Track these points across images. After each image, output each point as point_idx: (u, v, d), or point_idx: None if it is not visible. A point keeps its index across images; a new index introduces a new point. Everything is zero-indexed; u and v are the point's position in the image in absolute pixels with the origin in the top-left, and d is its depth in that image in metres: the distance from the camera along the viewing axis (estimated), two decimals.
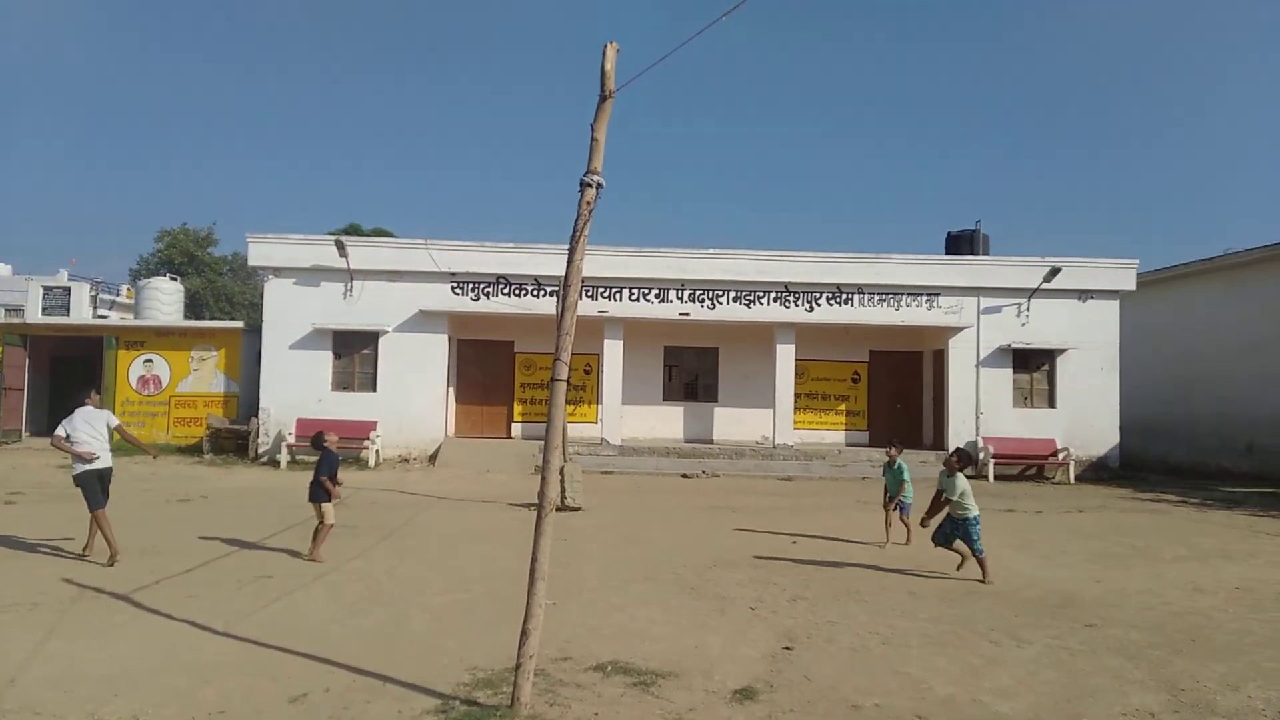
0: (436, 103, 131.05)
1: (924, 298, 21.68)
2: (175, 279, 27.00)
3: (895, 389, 23.44)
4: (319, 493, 9.55)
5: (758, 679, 5.77)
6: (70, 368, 23.63)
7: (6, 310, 27.29)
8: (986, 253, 23.82)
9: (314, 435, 10.02)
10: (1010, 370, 21.61)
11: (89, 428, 9.23)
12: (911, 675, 5.94)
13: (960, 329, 21.52)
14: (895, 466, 11.68)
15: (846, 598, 8.19)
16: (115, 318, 32.06)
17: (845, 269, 21.59)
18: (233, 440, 20.64)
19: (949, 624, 7.33)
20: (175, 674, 5.63)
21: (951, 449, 9.97)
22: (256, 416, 20.41)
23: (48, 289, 25.12)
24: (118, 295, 42.37)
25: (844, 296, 21.62)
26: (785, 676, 5.85)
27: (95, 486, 9.19)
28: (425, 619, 7.22)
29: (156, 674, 5.62)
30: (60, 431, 9.17)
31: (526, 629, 5.06)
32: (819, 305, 21.58)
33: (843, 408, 23.38)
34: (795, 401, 21.70)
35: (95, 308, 29.39)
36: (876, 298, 21.64)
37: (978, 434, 21.20)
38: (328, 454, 9.73)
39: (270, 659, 6.01)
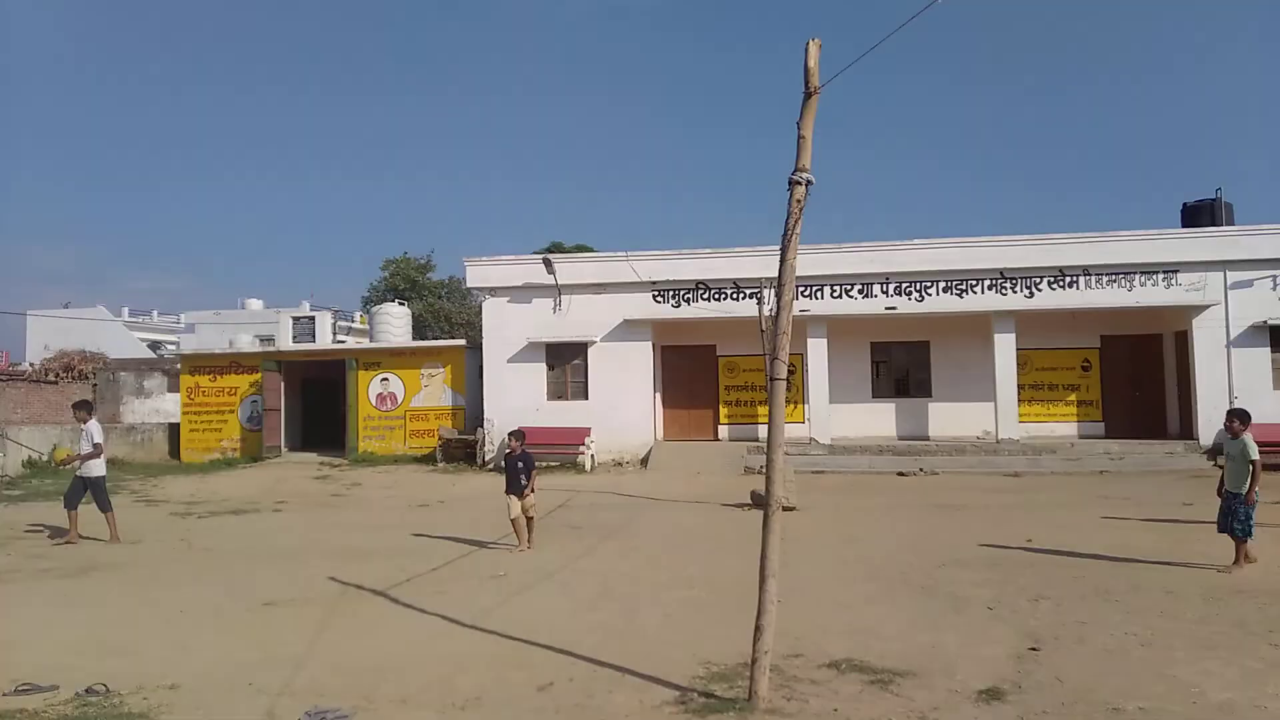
0: (623, 124, 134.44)
1: (1160, 275, 19.87)
2: (402, 303, 29.20)
3: (1133, 375, 21.55)
4: (518, 485, 10.37)
5: (1004, 679, 5.49)
6: (318, 389, 26.13)
7: (261, 340, 30.53)
8: (1230, 223, 21.41)
9: (517, 431, 10.95)
10: (1268, 349, 19.37)
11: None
12: (1179, 679, 5.45)
13: (1205, 307, 19.52)
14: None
15: (1095, 597, 7.63)
16: (352, 342, 35.16)
17: (1068, 250, 20.15)
18: (461, 449, 22.04)
19: (1219, 625, 6.66)
20: (433, 663, 6.08)
21: (1228, 415, 9.07)
22: (482, 426, 21.72)
23: (296, 319, 27.82)
24: (353, 321, 46.41)
25: (1068, 279, 20.18)
26: (1034, 678, 5.53)
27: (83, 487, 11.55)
28: (655, 614, 7.41)
29: (417, 663, 6.10)
30: (99, 440, 11.65)
31: (760, 625, 5.08)
32: (1039, 290, 20.26)
33: (1073, 397, 21.77)
34: (1019, 393, 20.42)
35: (335, 334, 32.37)
36: (1105, 279, 20.05)
37: None
38: (527, 454, 10.56)
39: (516, 650, 6.38)
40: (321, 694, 5.45)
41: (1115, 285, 20.08)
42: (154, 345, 48.22)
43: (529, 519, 10.53)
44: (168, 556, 10.63)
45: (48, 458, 20.99)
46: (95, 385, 28.09)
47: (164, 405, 27.83)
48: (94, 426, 11.74)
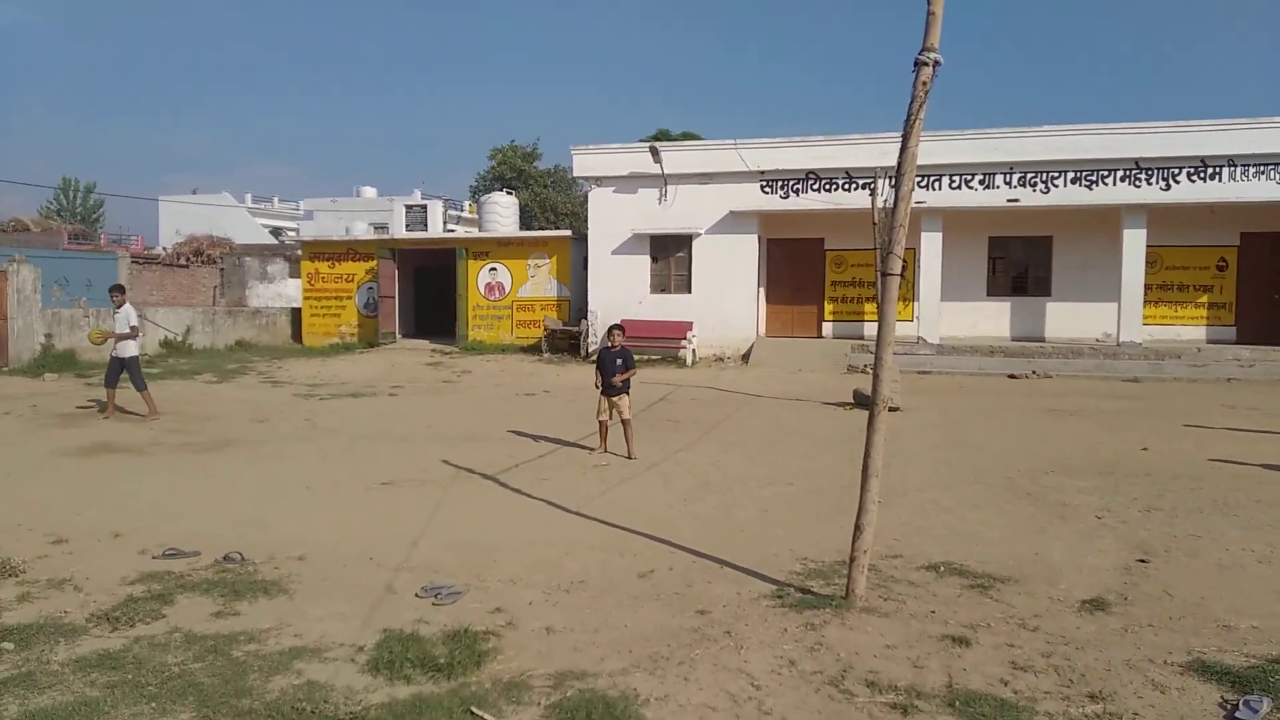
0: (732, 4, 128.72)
1: None
2: (510, 193, 29.39)
3: (1273, 277, 20.05)
4: (627, 384, 9.86)
5: (1109, 590, 5.38)
6: (430, 277, 26.83)
7: (375, 228, 31.34)
8: None
9: (616, 326, 10.25)
10: None
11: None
12: None
13: None
14: None
15: (1212, 510, 7.34)
16: (461, 231, 35.72)
17: (1211, 138, 18.61)
18: (566, 340, 22.44)
19: None
20: (540, 546, 6.35)
21: None
22: (585, 318, 22.00)
23: (408, 208, 28.35)
24: (462, 211, 47.05)
25: (1209, 171, 18.73)
26: (1141, 590, 5.40)
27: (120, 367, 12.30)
28: (753, 509, 7.51)
29: (525, 545, 6.38)
30: (135, 323, 12.37)
31: (860, 524, 5.09)
32: (1177, 182, 18.89)
33: (1204, 299, 20.48)
34: (1145, 294, 19.34)
35: (446, 223, 32.92)
36: (1252, 170, 18.54)
37: None
38: (625, 350, 10.00)
39: (618, 537, 6.60)
40: (436, 570, 5.78)
41: (1263, 177, 18.55)
42: (275, 231, 50.20)
43: (624, 422, 9.80)
44: (294, 435, 11.30)
45: (181, 337, 22.42)
46: (222, 270, 29.58)
47: (286, 290, 29.16)
48: (129, 310, 12.53)
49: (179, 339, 22.42)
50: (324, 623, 4.85)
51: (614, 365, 9.86)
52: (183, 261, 30.21)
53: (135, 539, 6.43)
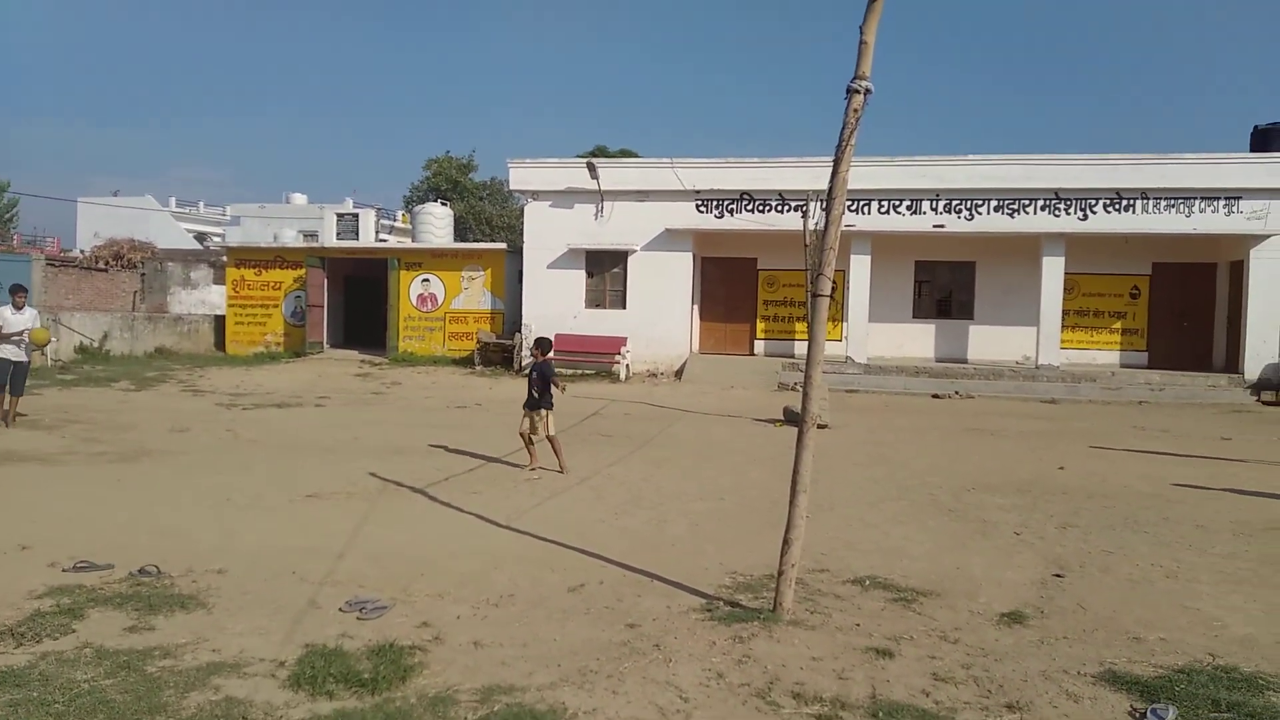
0: (672, 25, 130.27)
1: (1221, 202, 19.20)
2: (445, 204, 29.12)
3: (1182, 305, 21.03)
4: (548, 399, 9.70)
5: (1026, 604, 5.56)
6: (361, 287, 26.36)
7: (305, 236, 30.72)
8: None
9: (541, 340, 10.21)
10: None
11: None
12: (1203, 612, 5.48)
13: (1266, 236, 18.87)
14: None
15: (1124, 527, 7.64)
16: (394, 241, 35.25)
17: (1125, 172, 19.46)
18: (499, 353, 22.28)
19: (1246, 561, 6.64)
20: (469, 559, 6.28)
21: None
22: (520, 331, 21.88)
23: (340, 216, 27.86)
24: (395, 221, 46.45)
25: (1124, 202, 19.57)
26: (1057, 603, 5.59)
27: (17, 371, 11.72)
28: (684, 524, 7.56)
29: (453, 558, 6.30)
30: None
31: (789, 538, 5.16)
32: (1094, 213, 19.69)
33: (1118, 325, 21.35)
34: (1063, 318, 20.09)
35: (378, 232, 32.47)
36: (1164, 203, 19.42)
37: None
38: (542, 365, 9.87)
39: (548, 551, 6.56)
40: (361, 584, 5.67)
41: (1173, 210, 19.46)
42: (200, 236, 48.85)
43: (549, 438, 9.65)
44: (215, 446, 10.98)
45: (97, 343, 21.60)
46: (143, 274, 28.63)
47: (210, 297, 28.36)
48: (33, 312, 12.11)
49: (94, 344, 21.61)
50: (244, 638, 4.71)
51: (531, 380, 9.84)
52: (101, 265, 29.13)
53: (44, 551, 6.16)
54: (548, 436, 9.71)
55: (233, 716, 3.76)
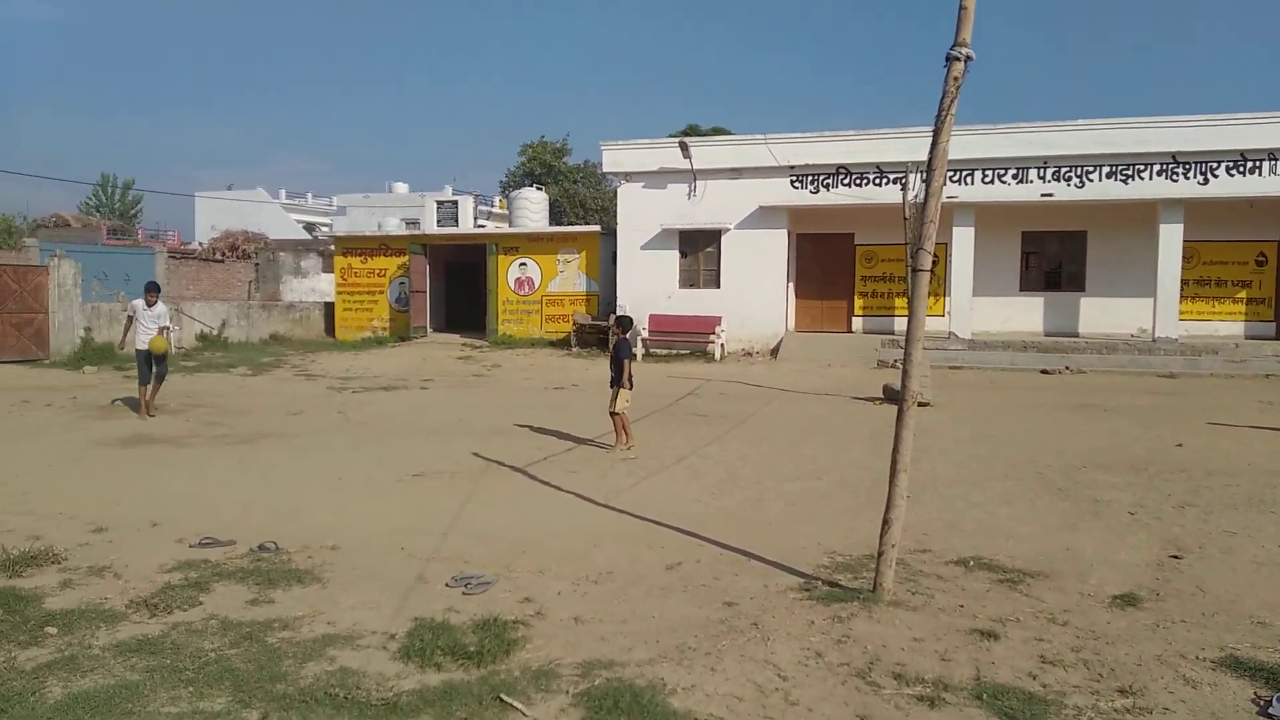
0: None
1: None
2: (539, 188, 29.51)
3: None
4: (625, 378, 9.68)
5: (1141, 586, 5.33)
6: (461, 272, 27.00)
7: (407, 223, 31.60)
8: None
9: (621, 318, 10.24)
10: None
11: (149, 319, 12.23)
12: None
13: None
14: None
15: (1248, 507, 7.24)
16: (491, 226, 35.91)
17: (1251, 131, 18.26)
18: (595, 334, 22.50)
19: None
20: (569, 538, 6.41)
21: None
22: (614, 313, 22.03)
23: (440, 203, 28.60)
24: (493, 206, 47.32)
25: (1249, 164, 18.39)
26: (1174, 585, 5.35)
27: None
28: (781, 503, 7.52)
29: (554, 537, 6.44)
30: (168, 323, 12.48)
31: (888, 518, 5.08)
32: (1215, 176, 18.56)
33: (1243, 295, 20.10)
34: (1182, 289, 19.03)
35: (476, 218, 33.13)
36: None
37: None
38: (620, 343, 9.91)
39: (646, 530, 6.63)
40: (466, 561, 5.85)
41: None
42: (309, 227, 50.79)
43: (613, 414, 9.74)
44: (327, 428, 11.46)
45: (216, 331, 22.75)
46: (257, 264, 30.00)
47: (319, 284, 29.50)
48: (163, 308, 12.62)
49: (215, 332, 22.77)
50: (356, 611, 4.93)
51: (612, 359, 9.99)
52: (218, 256, 30.69)
53: (172, 528, 6.57)
54: (611, 412, 9.76)
55: (347, 686, 3.95)
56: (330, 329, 26.56)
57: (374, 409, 13.15)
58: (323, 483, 8.25)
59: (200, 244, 37.28)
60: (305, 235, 43.69)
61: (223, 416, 12.19)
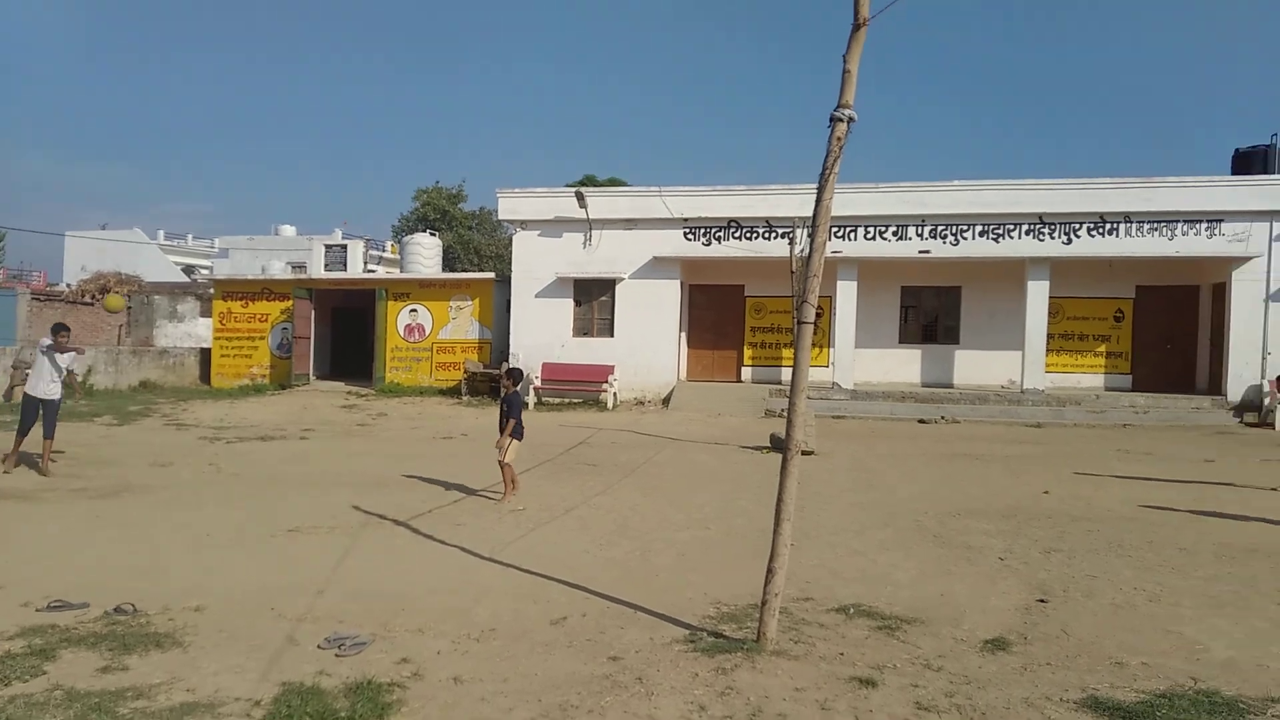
0: (662, 55, 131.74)
1: (1204, 225, 19.37)
2: (433, 234, 29.19)
3: (1166, 327, 21.16)
4: (517, 429, 9.57)
5: (1010, 630, 5.53)
6: (348, 318, 26.35)
7: (293, 267, 30.72)
8: None
9: (512, 370, 10.07)
10: None
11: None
12: (1185, 636, 5.46)
13: (1246, 259, 19.06)
14: None
15: (1108, 552, 7.63)
16: (382, 271, 35.26)
17: (1109, 196, 19.65)
18: (486, 383, 22.20)
19: (1229, 584, 6.64)
20: (451, 594, 6.22)
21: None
22: (507, 361, 21.83)
23: (328, 247, 28.03)
24: (384, 251, 46.48)
25: (1108, 226, 19.74)
26: (1040, 629, 5.57)
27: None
28: (669, 554, 7.51)
29: (435, 593, 6.24)
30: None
31: (772, 567, 5.13)
32: (1078, 237, 19.85)
33: (1103, 348, 21.48)
34: (1048, 342, 20.19)
35: (366, 263, 32.48)
36: (1146, 226, 19.59)
37: (1263, 377, 18.84)
38: (510, 396, 9.76)
39: (532, 584, 6.50)
40: (341, 620, 5.60)
41: (1156, 234, 19.63)
42: (188, 269, 48.79)
43: (501, 464, 9.58)
44: (196, 480, 10.88)
45: (81, 378, 21.42)
46: (129, 308, 28.55)
47: (196, 330, 28.30)
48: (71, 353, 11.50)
49: (79, 379, 21.43)
50: (219, 676, 4.64)
51: (502, 410, 9.78)
52: (87, 299, 29.07)
53: (18, 591, 6.07)
54: (500, 463, 9.60)
55: None
56: (206, 376, 25.40)
57: (248, 460, 12.58)
58: (189, 539, 7.80)
59: (68, 285, 35.26)
60: (184, 278, 41.92)
61: (82, 469, 11.44)
